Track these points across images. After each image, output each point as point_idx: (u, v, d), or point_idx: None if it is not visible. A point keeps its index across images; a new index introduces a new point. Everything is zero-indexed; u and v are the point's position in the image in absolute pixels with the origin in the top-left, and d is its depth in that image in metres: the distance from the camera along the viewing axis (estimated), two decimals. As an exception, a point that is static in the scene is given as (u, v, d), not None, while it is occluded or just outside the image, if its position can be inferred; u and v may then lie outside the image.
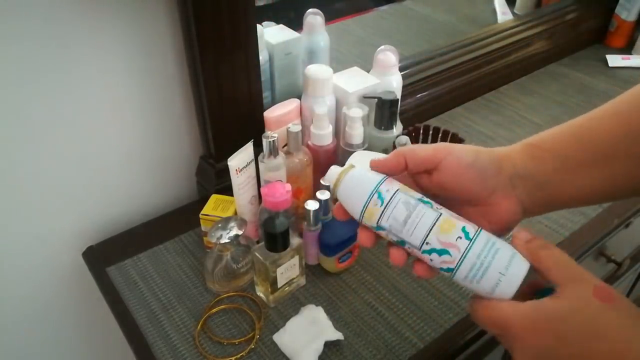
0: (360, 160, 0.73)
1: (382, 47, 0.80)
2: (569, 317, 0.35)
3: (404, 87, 0.85)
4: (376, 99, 0.74)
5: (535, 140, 0.45)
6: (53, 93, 0.66)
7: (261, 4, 1.11)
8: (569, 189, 0.43)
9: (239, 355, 0.61)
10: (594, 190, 0.43)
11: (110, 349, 0.95)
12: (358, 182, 0.43)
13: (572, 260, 0.39)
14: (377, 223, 0.42)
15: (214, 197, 0.74)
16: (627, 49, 1.29)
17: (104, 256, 0.76)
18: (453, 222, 0.41)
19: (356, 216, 0.43)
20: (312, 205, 0.66)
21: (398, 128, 0.78)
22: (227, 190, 0.71)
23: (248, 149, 0.68)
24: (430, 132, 0.81)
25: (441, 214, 0.41)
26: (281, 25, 0.84)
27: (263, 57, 0.77)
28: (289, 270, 0.66)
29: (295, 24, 0.84)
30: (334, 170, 0.45)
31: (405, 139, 0.74)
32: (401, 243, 0.42)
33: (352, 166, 0.45)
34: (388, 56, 0.79)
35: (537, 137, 0.45)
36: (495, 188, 0.42)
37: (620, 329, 0.35)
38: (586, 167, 0.42)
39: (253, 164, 0.70)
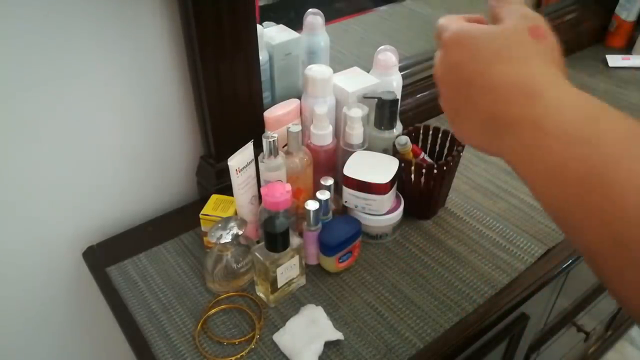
0: (360, 160, 0.74)
1: (382, 47, 0.80)
2: (491, 37, 0.35)
3: (404, 87, 0.85)
4: (376, 99, 0.74)
5: None
6: (52, 93, 0.66)
7: (261, 4, 1.11)
8: None
9: (239, 355, 0.61)
10: None
11: (110, 349, 0.95)
12: None
13: (529, 9, 0.38)
14: None
15: (214, 197, 0.74)
16: (627, 49, 1.29)
17: (104, 256, 0.76)
18: None
19: None
20: (312, 205, 0.67)
21: (398, 128, 0.78)
22: (227, 190, 0.71)
23: (248, 149, 0.68)
24: (430, 132, 0.81)
25: None
26: (281, 25, 0.84)
27: (263, 57, 0.77)
28: (289, 270, 0.66)
29: (295, 24, 0.84)
30: None
31: (405, 139, 0.74)
32: None
33: None
34: (388, 56, 0.79)
35: None
36: None
37: (532, 61, 0.34)
38: None
39: (253, 164, 0.70)
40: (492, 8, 0.39)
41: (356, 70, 0.81)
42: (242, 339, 0.63)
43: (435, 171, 0.73)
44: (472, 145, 0.39)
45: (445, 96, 0.39)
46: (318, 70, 0.75)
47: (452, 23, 0.38)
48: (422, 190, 0.76)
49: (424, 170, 0.74)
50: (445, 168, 0.73)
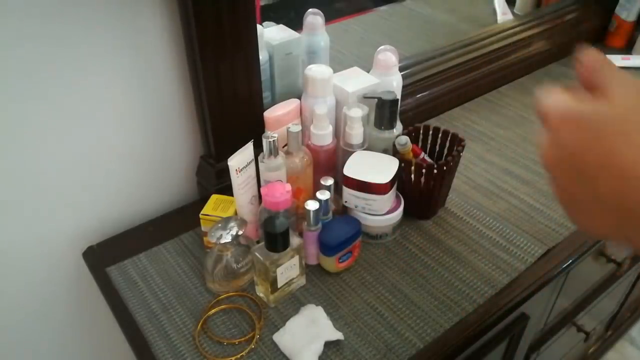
0: (360, 160, 0.74)
1: (382, 47, 0.80)
2: (609, 118, 0.31)
3: (404, 87, 0.85)
4: (376, 99, 0.74)
5: None
6: (52, 94, 0.66)
7: (261, 4, 1.11)
8: None
9: (239, 355, 0.61)
10: None
11: (110, 349, 0.95)
12: None
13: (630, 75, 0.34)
14: None
15: (214, 197, 0.74)
16: (627, 49, 1.29)
17: (104, 256, 0.76)
18: None
19: None
20: (312, 205, 0.66)
21: (398, 128, 0.78)
22: (227, 190, 0.71)
23: (248, 149, 0.68)
24: (430, 132, 0.81)
25: None
26: (281, 25, 0.84)
27: (263, 57, 0.77)
28: (289, 270, 0.66)
29: (295, 24, 0.84)
30: None
31: (405, 139, 0.74)
32: None
33: None
34: (388, 56, 0.79)
35: None
36: None
37: None
38: None
39: (253, 164, 0.70)
40: (585, 77, 0.35)
41: (356, 70, 0.81)
42: (242, 339, 0.63)
43: (435, 171, 0.73)
44: (594, 234, 0.35)
45: (560, 183, 0.35)
46: (318, 70, 0.75)
47: (558, 101, 0.34)
48: (422, 190, 0.76)
49: (424, 170, 0.74)
50: (445, 168, 0.73)
